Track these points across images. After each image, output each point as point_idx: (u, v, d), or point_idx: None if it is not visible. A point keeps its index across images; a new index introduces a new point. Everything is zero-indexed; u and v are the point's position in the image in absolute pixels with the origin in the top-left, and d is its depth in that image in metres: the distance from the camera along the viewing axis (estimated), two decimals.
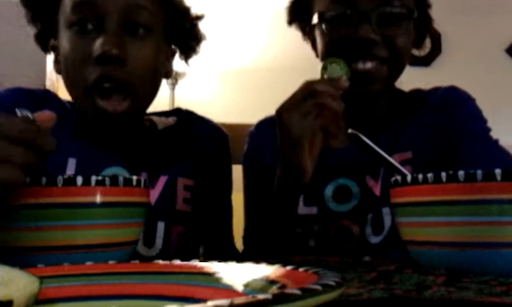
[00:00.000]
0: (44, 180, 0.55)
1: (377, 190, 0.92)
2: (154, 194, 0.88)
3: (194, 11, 0.95)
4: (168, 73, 0.93)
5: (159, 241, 0.86)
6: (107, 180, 0.58)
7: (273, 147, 0.88)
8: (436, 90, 1.01)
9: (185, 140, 0.95)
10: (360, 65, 0.87)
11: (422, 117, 0.97)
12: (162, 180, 0.89)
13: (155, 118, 0.97)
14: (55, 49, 0.88)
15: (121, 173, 0.86)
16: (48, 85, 2.59)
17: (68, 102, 0.92)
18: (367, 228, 0.91)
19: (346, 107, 0.79)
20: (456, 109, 0.97)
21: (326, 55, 0.90)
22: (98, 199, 0.57)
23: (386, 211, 0.90)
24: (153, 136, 0.94)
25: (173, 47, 0.94)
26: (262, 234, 0.92)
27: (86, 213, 0.56)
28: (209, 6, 3.33)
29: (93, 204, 0.56)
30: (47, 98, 0.90)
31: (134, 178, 0.61)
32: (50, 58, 0.95)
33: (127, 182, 0.59)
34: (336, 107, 0.75)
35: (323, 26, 0.91)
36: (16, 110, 0.56)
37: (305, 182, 0.80)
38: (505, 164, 0.89)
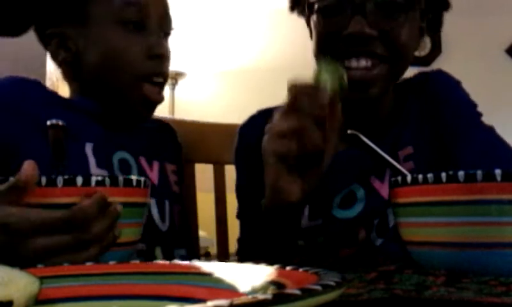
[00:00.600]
0: (44, 180, 0.55)
1: (384, 192, 0.86)
2: (155, 176, 0.93)
3: None
4: None
5: (167, 218, 0.92)
6: (107, 180, 0.58)
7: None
8: (425, 76, 0.95)
9: (156, 131, 1.01)
10: (354, 63, 0.78)
11: (418, 108, 0.91)
12: (156, 165, 0.95)
13: None
14: (56, 36, 0.89)
15: (128, 158, 0.90)
16: (48, 85, 2.60)
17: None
18: (372, 232, 0.86)
19: (346, 110, 0.67)
20: (447, 96, 0.91)
21: (317, 51, 0.82)
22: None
23: (390, 211, 0.82)
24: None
25: None
26: (257, 246, 0.85)
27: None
28: (209, 6, 3.35)
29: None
30: (42, 86, 0.92)
31: (134, 178, 0.61)
32: (50, 58, 0.94)
33: (127, 182, 0.59)
34: (315, 138, 0.61)
35: (314, 18, 0.81)
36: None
37: (291, 202, 0.66)
38: (503, 151, 0.85)
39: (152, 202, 0.89)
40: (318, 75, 0.63)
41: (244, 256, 0.94)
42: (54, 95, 0.90)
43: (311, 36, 0.89)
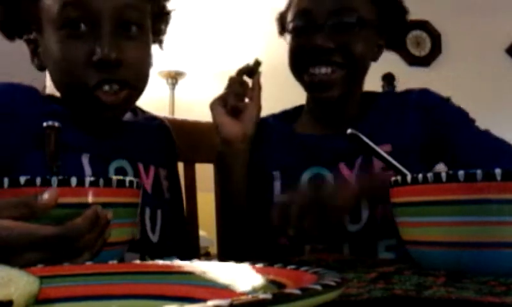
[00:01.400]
0: (39, 180, 0.55)
1: (351, 178, 0.95)
2: (149, 184, 0.91)
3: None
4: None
5: (157, 229, 0.90)
6: (101, 181, 0.58)
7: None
8: (410, 91, 1.07)
9: (150, 134, 0.99)
10: (317, 70, 0.96)
11: (401, 115, 1.02)
12: (152, 170, 0.93)
13: None
14: (32, 42, 0.86)
15: (125, 165, 0.88)
16: (48, 85, 2.59)
17: (52, 97, 0.91)
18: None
19: (317, 109, 1.03)
20: (438, 107, 1.03)
21: (290, 62, 1.01)
22: (90, 199, 0.57)
23: (363, 200, 0.92)
24: (127, 127, 0.95)
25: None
26: (235, 232, 1.01)
27: (81, 213, 0.56)
28: (209, 6, 3.35)
29: (86, 205, 0.57)
30: (36, 93, 0.89)
31: (127, 179, 0.61)
32: None
33: (120, 183, 0.60)
34: (233, 87, 0.98)
35: (287, 37, 1.02)
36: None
37: (234, 138, 0.96)
38: (498, 146, 0.95)
39: (147, 212, 0.88)
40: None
41: (226, 244, 1.07)
42: (47, 104, 0.86)
43: None
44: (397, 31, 1.06)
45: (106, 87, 0.80)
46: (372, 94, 1.09)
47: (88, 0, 0.78)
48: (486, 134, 0.98)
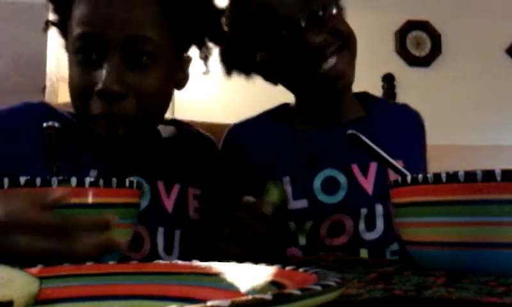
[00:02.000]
0: (39, 181, 0.56)
1: (367, 187, 0.92)
2: (170, 203, 0.89)
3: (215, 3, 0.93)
4: (183, 81, 0.94)
5: (176, 248, 0.88)
6: (101, 181, 0.58)
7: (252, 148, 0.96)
8: (406, 106, 1.08)
9: (188, 151, 0.97)
10: (325, 66, 0.90)
11: (409, 131, 1.03)
12: (176, 189, 0.90)
13: (158, 126, 0.97)
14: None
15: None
16: (48, 85, 2.60)
17: (70, 114, 0.91)
18: (360, 223, 0.91)
19: (322, 106, 0.98)
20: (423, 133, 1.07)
21: (297, 74, 0.94)
22: (90, 199, 0.57)
23: (378, 209, 0.91)
24: (159, 144, 0.94)
25: (188, 55, 0.94)
26: None
27: (79, 213, 0.56)
28: None
29: (86, 205, 0.57)
30: (52, 112, 0.89)
31: (127, 180, 0.61)
32: (50, 58, 0.93)
33: (120, 183, 0.60)
34: (256, 247, 0.75)
35: (269, 53, 0.95)
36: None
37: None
38: None
39: (160, 231, 0.86)
40: (267, 191, 0.79)
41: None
42: (61, 118, 0.85)
43: (268, 79, 1.03)
44: None
45: (102, 123, 0.79)
46: (360, 95, 1.07)
47: (102, 31, 0.78)
48: None
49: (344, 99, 0.99)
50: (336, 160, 0.94)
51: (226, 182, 1.01)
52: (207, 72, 1.05)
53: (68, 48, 0.85)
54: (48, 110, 0.88)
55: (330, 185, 0.93)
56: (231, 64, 1.04)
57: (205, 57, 0.97)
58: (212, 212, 0.95)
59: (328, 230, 0.91)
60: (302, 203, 0.92)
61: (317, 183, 0.93)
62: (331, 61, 0.91)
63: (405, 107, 1.09)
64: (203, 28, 0.92)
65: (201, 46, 0.94)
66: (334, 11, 0.92)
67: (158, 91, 0.83)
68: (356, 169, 0.94)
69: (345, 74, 0.93)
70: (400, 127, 1.02)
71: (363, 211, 0.91)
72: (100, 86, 0.77)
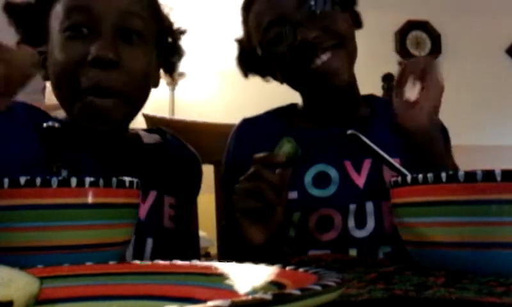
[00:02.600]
0: (39, 181, 0.56)
1: (359, 182, 0.93)
2: (144, 209, 0.88)
3: (178, 25, 0.96)
4: (156, 83, 0.93)
5: (146, 257, 0.87)
6: (101, 181, 0.58)
7: (256, 145, 0.93)
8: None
9: (169, 160, 0.96)
10: (318, 61, 0.91)
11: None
12: (152, 195, 0.89)
13: (140, 132, 0.98)
14: (41, 54, 0.85)
15: None
16: (48, 85, 2.59)
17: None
18: (349, 219, 0.91)
19: (324, 104, 0.97)
20: None
21: (287, 70, 0.96)
22: (90, 200, 0.57)
23: (369, 206, 0.91)
24: (140, 149, 0.94)
25: (160, 59, 0.94)
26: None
27: (79, 213, 0.56)
28: (210, 6, 3.34)
29: (86, 205, 0.57)
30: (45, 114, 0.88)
31: (127, 180, 0.61)
32: None
33: (120, 183, 0.60)
34: (271, 198, 0.77)
35: (266, 50, 0.96)
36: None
37: (258, 245, 0.81)
38: None
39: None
40: (279, 146, 0.81)
41: (226, 242, 1.02)
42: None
43: (276, 79, 1.04)
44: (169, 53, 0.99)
45: (90, 100, 0.78)
46: (365, 96, 1.07)
47: (91, 5, 0.79)
48: None
49: (347, 99, 0.99)
50: (330, 156, 0.95)
51: (195, 197, 1.05)
52: (171, 83, 1.08)
53: (52, 41, 0.83)
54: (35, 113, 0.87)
55: (322, 180, 0.94)
56: (247, 67, 1.06)
57: (168, 72, 0.98)
58: (185, 221, 0.97)
59: (316, 224, 0.91)
60: (292, 195, 0.93)
61: (309, 177, 0.94)
62: (324, 57, 0.91)
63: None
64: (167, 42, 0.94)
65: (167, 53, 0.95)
66: (329, 8, 0.93)
67: (145, 70, 0.85)
68: (349, 165, 0.94)
69: (339, 71, 0.92)
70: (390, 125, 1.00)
71: (352, 207, 0.91)
72: (94, 53, 0.77)
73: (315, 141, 0.97)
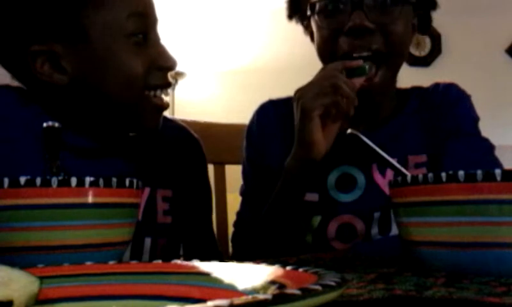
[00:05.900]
0: (39, 180, 0.56)
1: (385, 188, 0.88)
2: (140, 210, 0.83)
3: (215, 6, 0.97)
4: None
5: (145, 256, 0.85)
6: (101, 181, 0.58)
7: (279, 129, 0.92)
8: (436, 87, 0.99)
9: (165, 146, 0.91)
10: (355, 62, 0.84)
11: (429, 119, 0.94)
12: (146, 193, 0.86)
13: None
14: (45, 54, 0.77)
15: None
16: None
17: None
18: (373, 226, 0.87)
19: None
20: (451, 108, 0.95)
21: (322, 50, 0.89)
22: (90, 199, 0.57)
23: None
24: (134, 139, 0.88)
25: None
26: (262, 226, 0.89)
27: (79, 213, 0.56)
28: (210, 6, 3.35)
29: (86, 205, 0.57)
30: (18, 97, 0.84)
31: (127, 179, 0.61)
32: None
33: (120, 183, 0.60)
34: (349, 93, 0.78)
35: (316, 18, 0.88)
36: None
37: (317, 158, 0.81)
38: (484, 163, 0.88)
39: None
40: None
41: (241, 235, 0.97)
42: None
43: (312, 40, 0.95)
44: (427, 7, 0.93)
45: (160, 92, 0.83)
46: (402, 91, 1.00)
47: (148, 11, 0.81)
48: (479, 150, 0.90)
49: (379, 102, 0.93)
50: (356, 158, 0.89)
51: (201, 180, 0.98)
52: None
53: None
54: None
55: (346, 183, 0.89)
56: (294, 10, 0.98)
57: None
58: (184, 213, 0.91)
59: (336, 232, 0.87)
60: (313, 197, 0.88)
61: (332, 179, 0.89)
62: (364, 54, 0.85)
63: (435, 91, 1.00)
64: None
65: None
66: (396, 11, 0.85)
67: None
68: (375, 168, 0.89)
69: (378, 89, 0.86)
70: (423, 118, 0.96)
71: (377, 215, 0.87)
72: (166, 62, 0.82)
73: (341, 140, 0.88)
